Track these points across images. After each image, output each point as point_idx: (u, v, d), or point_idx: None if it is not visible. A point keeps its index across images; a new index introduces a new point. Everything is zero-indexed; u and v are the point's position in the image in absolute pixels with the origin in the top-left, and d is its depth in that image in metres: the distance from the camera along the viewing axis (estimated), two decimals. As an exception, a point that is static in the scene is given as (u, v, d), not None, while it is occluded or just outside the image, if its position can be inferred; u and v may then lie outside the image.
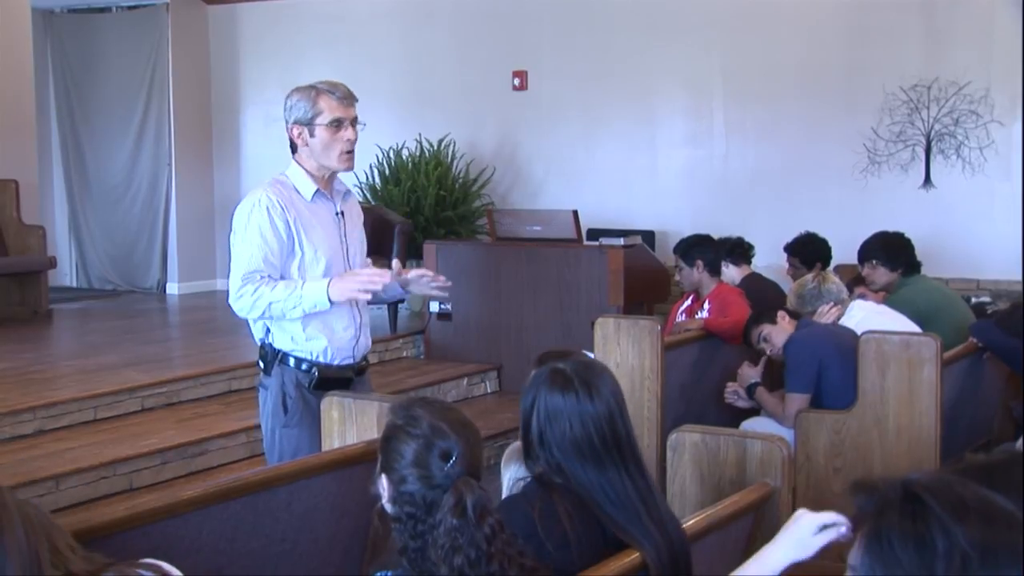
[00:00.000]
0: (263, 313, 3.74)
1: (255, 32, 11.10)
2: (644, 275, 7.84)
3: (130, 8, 11.31)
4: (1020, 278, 7.91)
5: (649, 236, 8.85)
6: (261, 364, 3.90)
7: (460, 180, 9.72)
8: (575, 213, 7.91)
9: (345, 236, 3.93)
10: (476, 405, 7.49)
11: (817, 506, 4.84)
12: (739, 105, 9.01)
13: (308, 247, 3.79)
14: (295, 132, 3.83)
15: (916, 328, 5.29)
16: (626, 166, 9.44)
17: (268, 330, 3.87)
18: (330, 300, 3.68)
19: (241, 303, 3.73)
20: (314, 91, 3.83)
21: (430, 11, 10.20)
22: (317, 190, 3.85)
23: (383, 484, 2.47)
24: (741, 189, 9.00)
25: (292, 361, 3.84)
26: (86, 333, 9.15)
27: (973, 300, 6.99)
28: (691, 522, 2.85)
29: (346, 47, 10.47)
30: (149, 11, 11.14)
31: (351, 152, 3.85)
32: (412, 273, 3.98)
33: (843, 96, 8.61)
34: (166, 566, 2.06)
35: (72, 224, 11.72)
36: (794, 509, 4.48)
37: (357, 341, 3.94)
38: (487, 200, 9.77)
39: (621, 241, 7.79)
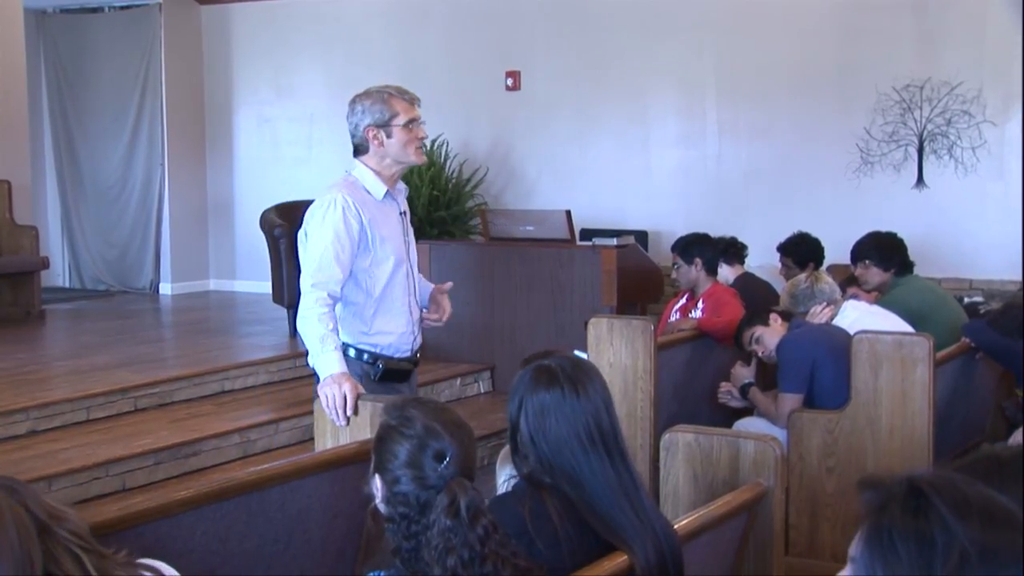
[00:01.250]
0: (301, 331, 3.88)
1: (248, 32, 11.09)
2: (637, 275, 7.83)
3: (123, 8, 11.29)
4: (1012, 278, 7.94)
5: (642, 236, 8.85)
6: None
7: (453, 180, 9.72)
8: (568, 213, 7.91)
9: (406, 233, 4.12)
10: (469, 405, 7.49)
11: (810, 505, 4.87)
12: (732, 105, 9.02)
13: (380, 247, 3.96)
14: (370, 134, 3.99)
15: (909, 328, 5.30)
16: (619, 166, 9.44)
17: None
18: (321, 372, 3.78)
19: (300, 309, 3.87)
20: (386, 94, 4.02)
21: (423, 11, 10.20)
22: (387, 191, 4.02)
23: (377, 484, 2.47)
24: (734, 189, 9.01)
25: (353, 352, 3.97)
26: (79, 334, 9.14)
27: (966, 300, 7.01)
28: (684, 522, 2.85)
29: (339, 47, 10.46)
30: (142, 11, 11.12)
31: (423, 148, 4.11)
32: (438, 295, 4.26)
33: (836, 96, 8.63)
34: (163, 566, 2.06)
35: (65, 225, 11.70)
36: (787, 509, 4.49)
37: (415, 335, 4.13)
38: (480, 200, 9.77)
39: (614, 241, 7.79)
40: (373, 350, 3.99)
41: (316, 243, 3.89)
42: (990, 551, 1.48)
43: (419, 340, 4.18)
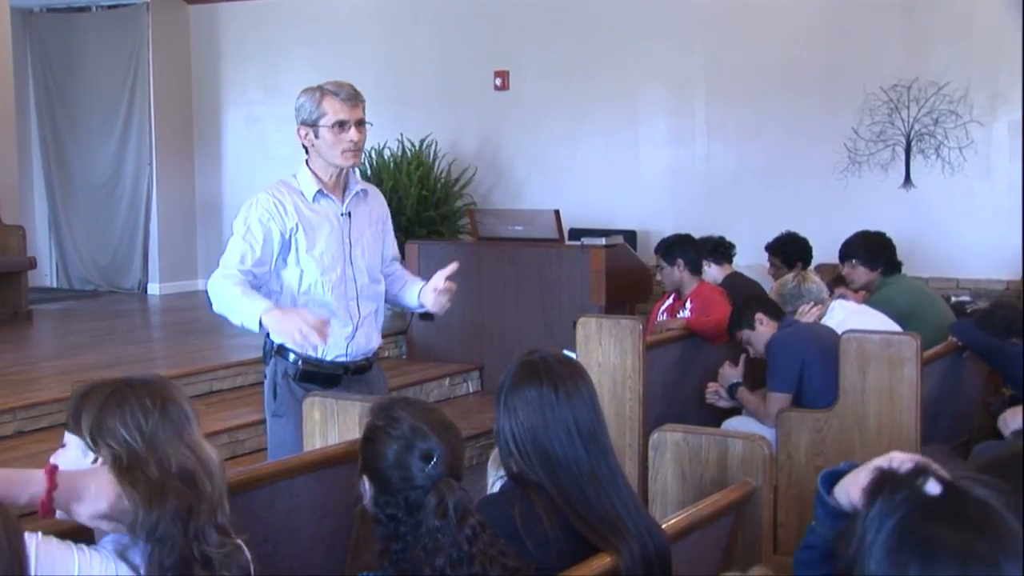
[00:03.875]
0: (219, 309, 3.76)
1: (236, 32, 11.07)
2: (626, 275, 7.84)
3: (110, 7, 11.26)
4: (999, 277, 7.98)
5: (631, 236, 8.86)
6: (262, 354, 4.01)
7: (442, 180, 9.71)
8: (557, 213, 7.92)
9: (349, 237, 3.95)
10: (458, 405, 7.49)
11: (798, 504, 4.88)
12: (721, 105, 9.03)
13: (305, 247, 3.85)
14: (302, 133, 3.91)
15: (896, 327, 5.32)
16: (608, 166, 9.45)
17: None
18: (261, 325, 3.66)
19: (211, 289, 3.78)
20: (319, 92, 3.88)
21: (412, 11, 10.19)
22: (319, 190, 3.90)
23: (365, 485, 2.47)
24: (723, 189, 9.03)
25: (288, 354, 3.92)
26: (67, 334, 9.11)
27: (953, 299, 7.03)
28: (673, 521, 2.86)
29: (328, 47, 10.45)
30: (129, 11, 11.09)
31: (355, 150, 3.90)
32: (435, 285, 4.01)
33: (824, 96, 8.65)
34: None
35: (52, 224, 11.66)
36: (776, 508, 4.50)
37: (353, 339, 3.96)
38: (469, 200, 9.77)
39: (603, 241, 7.80)
40: (297, 350, 3.86)
41: (232, 243, 3.83)
42: (894, 543, 1.46)
43: (366, 345, 4.00)
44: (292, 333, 3.57)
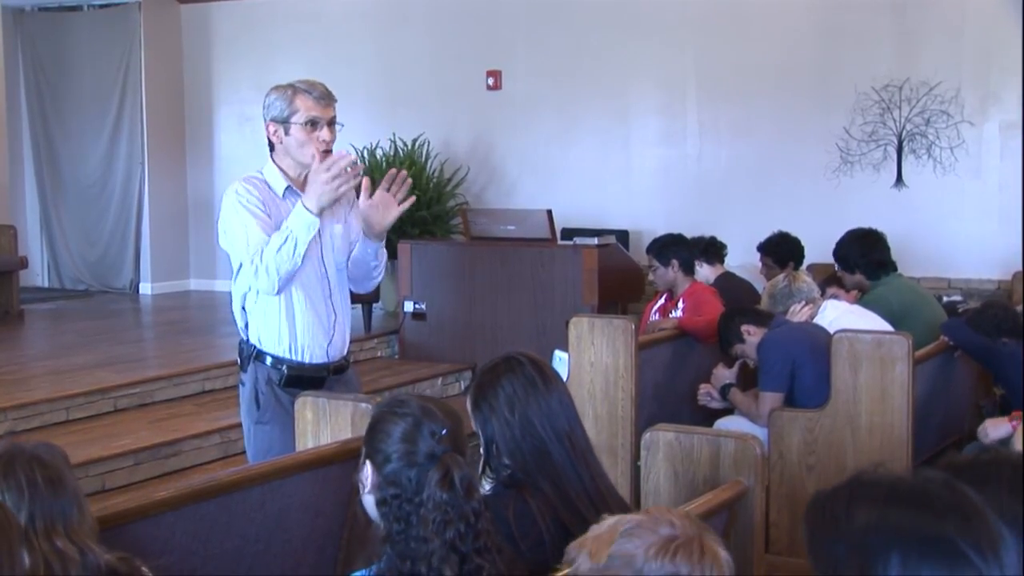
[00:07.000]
0: (280, 278, 3.68)
1: (228, 31, 11.06)
2: (618, 274, 7.85)
3: (102, 7, 11.24)
4: (989, 276, 8.00)
5: (623, 235, 8.86)
6: (238, 360, 3.92)
7: (434, 180, 9.71)
8: (549, 212, 7.92)
9: (319, 235, 3.83)
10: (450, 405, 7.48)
11: (790, 503, 4.88)
12: (712, 104, 9.04)
13: None
14: (271, 130, 3.83)
15: (888, 327, 5.32)
16: (600, 165, 9.46)
17: (247, 326, 3.88)
18: (316, 213, 3.64)
19: (259, 280, 3.70)
20: (291, 90, 3.81)
21: (404, 11, 10.19)
22: (288, 187, 3.82)
23: (367, 472, 2.46)
24: (714, 188, 9.03)
25: (266, 358, 3.83)
26: (58, 334, 9.09)
27: (945, 299, 7.04)
28: (665, 520, 2.86)
29: (320, 47, 10.44)
30: (121, 10, 11.07)
31: (327, 152, 3.81)
32: (375, 198, 3.93)
33: (816, 96, 8.66)
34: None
35: (44, 224, 11.63)
36: (768, 507, 4.50)
37: (331, 341, 3.90)
38: (461, 200, 9.77)
39: (595, 240, 7.81)
40: (279, 354, 3.81)
41: (239, 228, 3.72)
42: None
43: (343, 345, 3.95)
44: (333, 179, 3.60)
